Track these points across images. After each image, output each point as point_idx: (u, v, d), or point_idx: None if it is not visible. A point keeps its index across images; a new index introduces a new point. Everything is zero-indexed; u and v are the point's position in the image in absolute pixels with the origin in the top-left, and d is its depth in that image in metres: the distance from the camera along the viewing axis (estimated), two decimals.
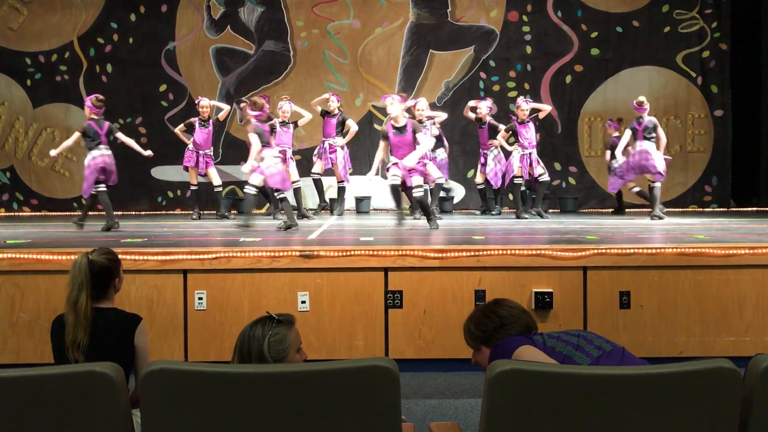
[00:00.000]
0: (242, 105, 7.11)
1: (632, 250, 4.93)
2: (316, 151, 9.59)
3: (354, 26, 11.72)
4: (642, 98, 8.75)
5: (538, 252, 4.94)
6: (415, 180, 7.03)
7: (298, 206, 9.20)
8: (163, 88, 11.57)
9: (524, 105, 8.87)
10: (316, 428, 1.82)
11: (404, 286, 4.89)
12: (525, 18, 11.64)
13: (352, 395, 1.80)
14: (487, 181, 9.71)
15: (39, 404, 1.84)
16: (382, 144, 7.30)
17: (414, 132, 7.01)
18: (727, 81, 11.60)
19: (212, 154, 9.53)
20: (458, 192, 11.44)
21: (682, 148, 11.60)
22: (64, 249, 4.97)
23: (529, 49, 11.65)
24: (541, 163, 8.97)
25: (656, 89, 11.56)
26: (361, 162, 10.94)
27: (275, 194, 7.53)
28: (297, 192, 9.19)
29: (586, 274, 4.91)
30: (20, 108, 11.59)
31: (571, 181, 11.64)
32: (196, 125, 9.26)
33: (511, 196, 9.69)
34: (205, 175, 9.38)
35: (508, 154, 9.22)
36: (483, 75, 11.66)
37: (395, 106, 7.03)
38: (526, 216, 8.95)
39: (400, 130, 7.06)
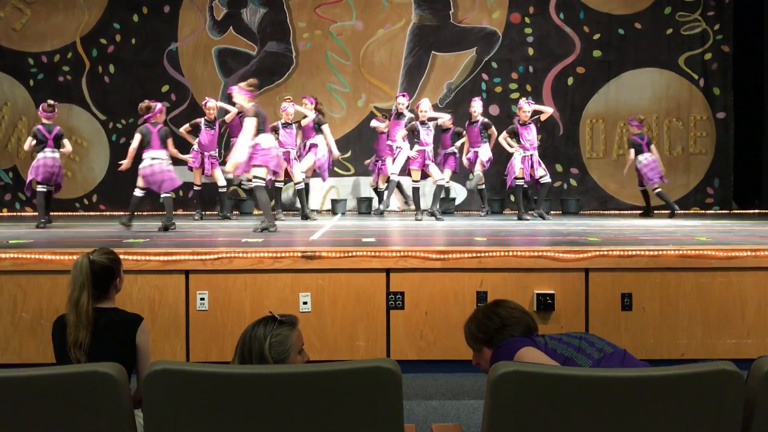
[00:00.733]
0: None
1: (634, 252, 4.92)
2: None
3: (356, 27, 11.72)
4: (642, 116, 9.87)
5: (540, 254, 4.93)
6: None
7: (301, 207, 9.23)
8: (165, 88, 11.58)
9: (526, 107, 8.86)
10: (318, 429, 1.82)
11: (406, 288, 4.89)
12: (527, 20, 11.65)
13: (355, 396, 1.80)
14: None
15: (42, 404, 1.84)
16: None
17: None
18: (730, 83, 11.59)
19: (217, 155, 9.55)
20: (460, 193, 11.45)
21: (684, 150, 11.60)
22: (65, 249, 4.97)
23: (531, 51, 11.65)
24: (543, 165, 8.97)
25: (658, 91, 11.57)
26: (360, 163, 10.99)
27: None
28: (301, 193, 9.22)
29: (588, 276, 4.91)
30: (23, 108, 11.62)
31: (573, 182, 11.64)
32: (202, 126, 9.28)
33: (512, 198, 9.71)
34: (211, 175, 9.41)
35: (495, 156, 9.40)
36: (485, 76, 11.66)
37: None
38: (528, 218, 8.96)
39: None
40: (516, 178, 8.89)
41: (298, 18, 11.76)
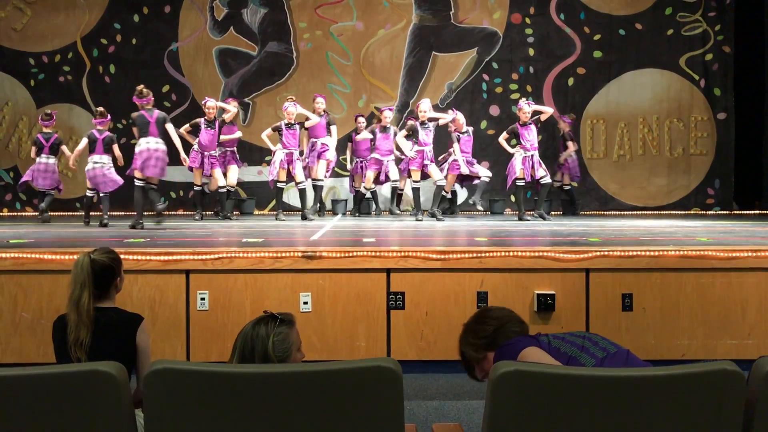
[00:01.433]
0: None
1: (635, 253, 4.92)
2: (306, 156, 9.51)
3: (357, 28, 11.73)
4: (574, 115, 10.96)
5: (541, 254, 4.93)
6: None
7: (302, 207, 9.23)
8: (165, 88, 11.58)
9: (526, 107, 8.87)
10: (319, 428, 1.82)
11: (406, 288, 4.88)
12: (528, 20, 11.65)
13: (356, 396, 1.80)
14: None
15: (42, 403, 1.84)
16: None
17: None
18: (730, 84, 11.59)
19: (217, 155, 9.54)
20: (461, 193, 11.44)
21: (685, 150, 11.60)
22: (66, 249, 4.97)
23: (531, 52, 11.65)
24: (543, 165, 8.97)
25: (659, 92, 11.56)
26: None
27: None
28: (302, 193, 9.21)
29: (589, 276, 4.90)
30: (24, 108, 11.62)
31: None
32: (202, 126, 9.27)
33: (513, 198, 9.70)
34: (211, 176, 9.40)
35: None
36: (486, 77, 11.66)
37: None
38: (528, 218, 8.96)
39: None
40: (516, 179, 8.89)
41: (298, 18, 11.76)
